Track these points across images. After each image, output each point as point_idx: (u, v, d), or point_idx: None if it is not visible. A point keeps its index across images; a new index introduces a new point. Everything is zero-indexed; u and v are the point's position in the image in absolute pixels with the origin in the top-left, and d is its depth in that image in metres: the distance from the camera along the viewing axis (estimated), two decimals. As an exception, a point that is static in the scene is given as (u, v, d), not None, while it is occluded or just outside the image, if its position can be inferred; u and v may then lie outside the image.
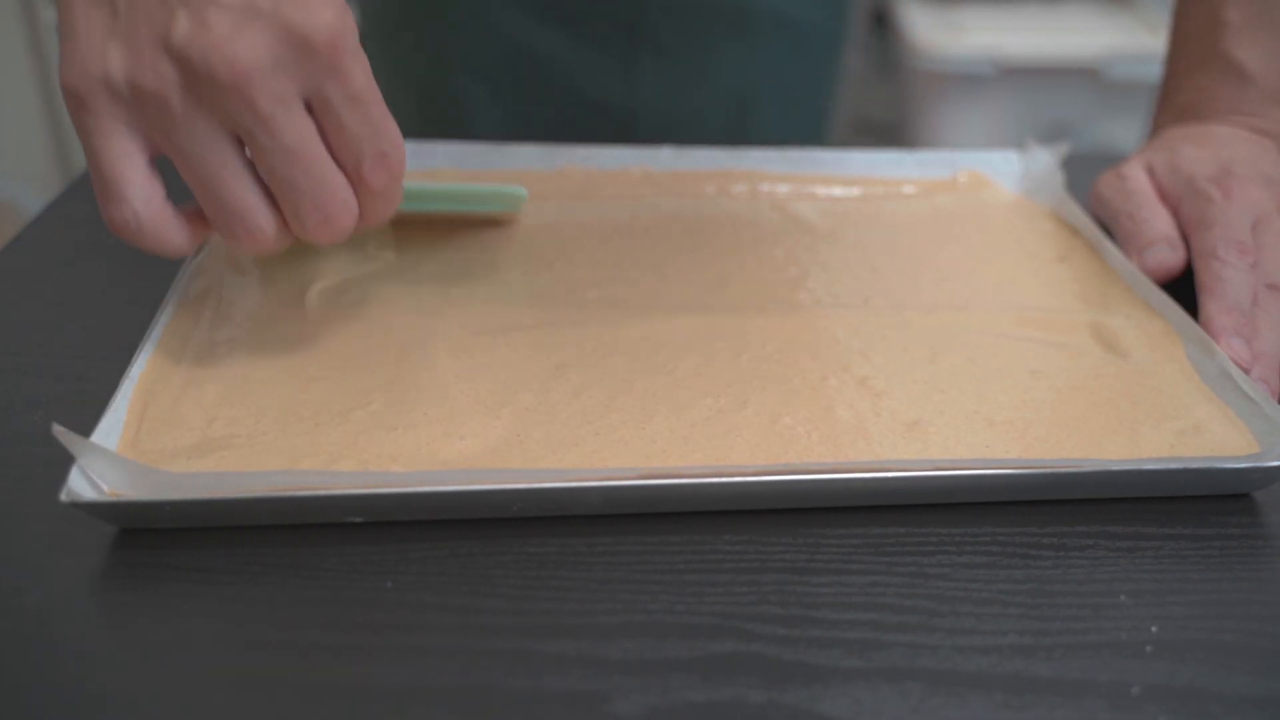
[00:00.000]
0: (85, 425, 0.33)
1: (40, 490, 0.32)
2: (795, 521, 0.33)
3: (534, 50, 0.67)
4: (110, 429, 0.34)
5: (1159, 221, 0.47)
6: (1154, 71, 0.61)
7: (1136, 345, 0.42)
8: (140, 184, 0.34)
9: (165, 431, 0.35)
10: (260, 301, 0.42)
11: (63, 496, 0.30)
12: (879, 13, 1.88)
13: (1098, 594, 0.31)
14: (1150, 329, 0.43)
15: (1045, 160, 0.55)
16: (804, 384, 0.38)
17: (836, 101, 0.77)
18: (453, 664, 0.28)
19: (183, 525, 0.32)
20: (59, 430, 0.30)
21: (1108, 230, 0.50)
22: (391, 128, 0.35)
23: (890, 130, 1.86)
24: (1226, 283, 0.42)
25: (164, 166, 0.35)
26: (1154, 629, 0.30)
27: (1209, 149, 0.49)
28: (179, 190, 0.35)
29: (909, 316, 0.43)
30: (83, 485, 0.31)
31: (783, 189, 0.54)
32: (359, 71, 0.34)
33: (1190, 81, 0.54)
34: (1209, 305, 0.42)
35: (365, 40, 0.73)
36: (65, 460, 0.31)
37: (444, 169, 0.53)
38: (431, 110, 0.70)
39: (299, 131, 0.33)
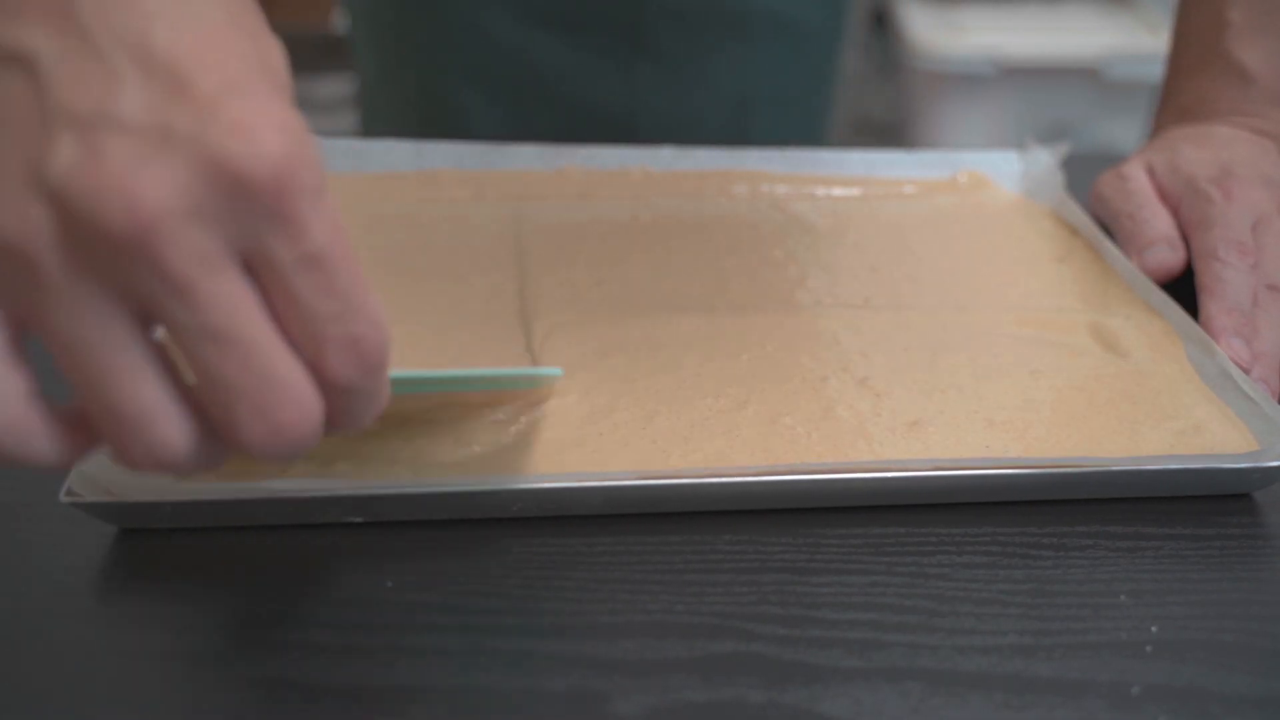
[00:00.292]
0: (85, 425, 0.33)
1: (40, 490, 0.32)
2: (795, 521, 0.33)
3: (532, 56, 0.66)
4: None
5: (1159, 222, 0.47)
6: (1154, 71, 0.61)
7: (1136, 345, 0.42)
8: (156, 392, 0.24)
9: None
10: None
11: (63, 496, 0.30)
12: (879, 13, 1.88)
13: (1098, 594, 0.31)
14: (1150, 329, 0.43)
15: (1045, 160, 0.55)
16: (804, 384, 0.38)
17: (835, 102, 0.77)
18: (453, 664, 0.28)
19: (183, 525, 0.32)
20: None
21: (1108, 230, 0.50)
22: (366, 301, 0.25)
23: (890, 130, 1.86)
24: (1227, 283, 0.42)
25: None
26: (1154, 629, 0.30)
27: (1209, 149, 0.49)
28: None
29: (909, 317, 0.43)
30: (83, 485, 0.31)
31: (783, 189, 0.54)
32: (317, 222, 0.24)
33: (1192, 82, 0.54)
34: (1209, 305, 0.42)
35: (361, 48, 0.73)
36: (65, 460, 0.31)
37: (443, 169, 0.53)
38: (429, 118, 0.69)
39: (229, 304, 0.23)
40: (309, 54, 1.72)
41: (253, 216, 0.23)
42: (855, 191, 0.55)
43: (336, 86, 1.65)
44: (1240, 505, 0.35)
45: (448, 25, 0.67)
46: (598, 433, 0.36)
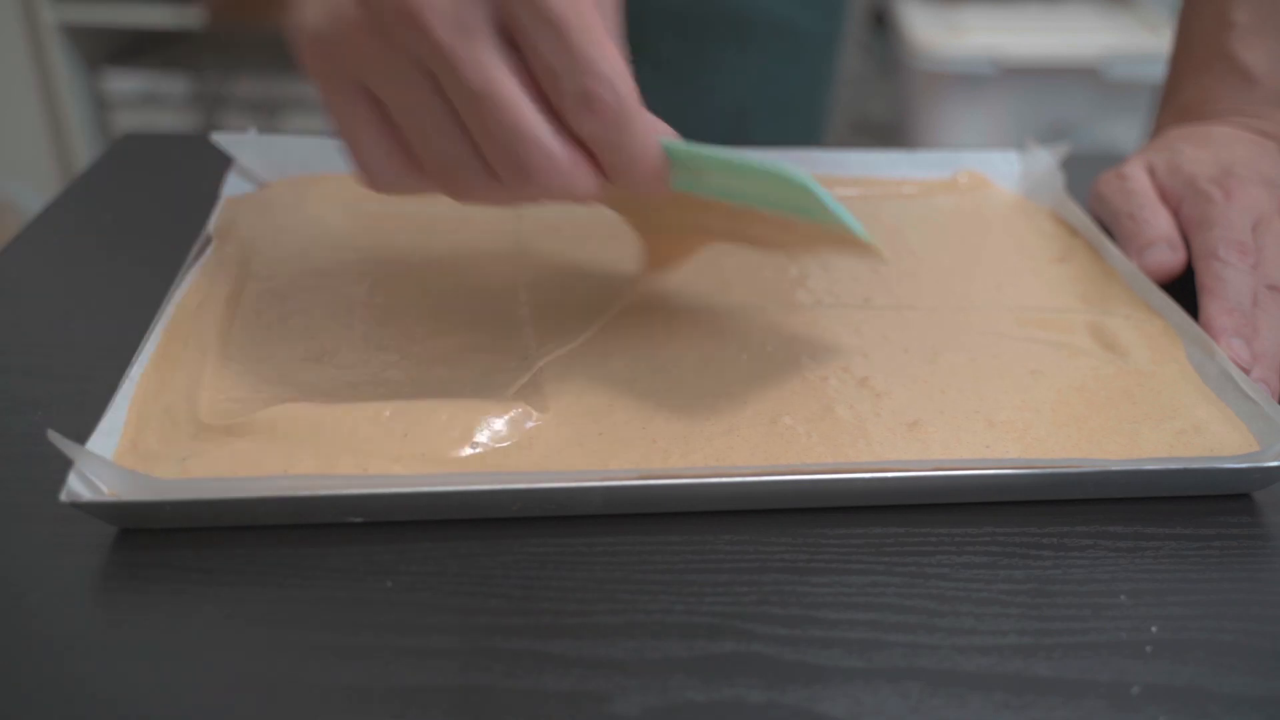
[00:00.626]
0: (85, 426, 0.33)
1: (40, 490, 0.32)
2: (795, 521, 0.33)
3: None
4: (110, 430, 0.34)
5: (1159, 222, 0.47)
6: (1154, 71, 0.61)
7: (1136, 345, 0.42)
8: (370, 142, 0.31)
9: (165, 432, 0.35)
10: (261, 304, 0.42)
11: (63, 497, 0.30)
12: (879, 13, 1.88)
13: (1098, 594, 0.31)
14: (1150, 329, 0.43)
15: (1045, 160, 0.55)
16: (804, 384, 0.38)
17: (833, 104, 0.77)
18: (453, 664, 0.28)
19: (183, 525, 0.32)
20: (54, 436, 0.30)
21: (1108, 230, 0.50)
22: (601, 59, 0.29)
23: (890, 130, 1.86)
24: (1227, 283, 0.42)
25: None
26: (1154, 629, 0.30)
27: (1210, 150, 0.49)
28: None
29: (909, 317, 0.43)
30: (82, 486, 0.31)
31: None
32: None
33: (1194, 81, 0.54)
34: (1209, 305, 0.42)
35: None
36: (65, 460, 0.31)
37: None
38: None
39: (481, 66, 0.28)
40: (309, 54, 1.72)
41: None
42: (855, 191, 0.55)
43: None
44: (1240, 505, 0.35)
45: None
46: (598, 433, 0.36)
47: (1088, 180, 0.53)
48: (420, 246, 0.47)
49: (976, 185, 0.55)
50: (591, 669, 0.28)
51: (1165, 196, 0.49)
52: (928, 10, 1.79)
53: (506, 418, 0.35)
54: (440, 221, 0.49)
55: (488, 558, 0.32)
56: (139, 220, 0.52)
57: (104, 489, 0.31)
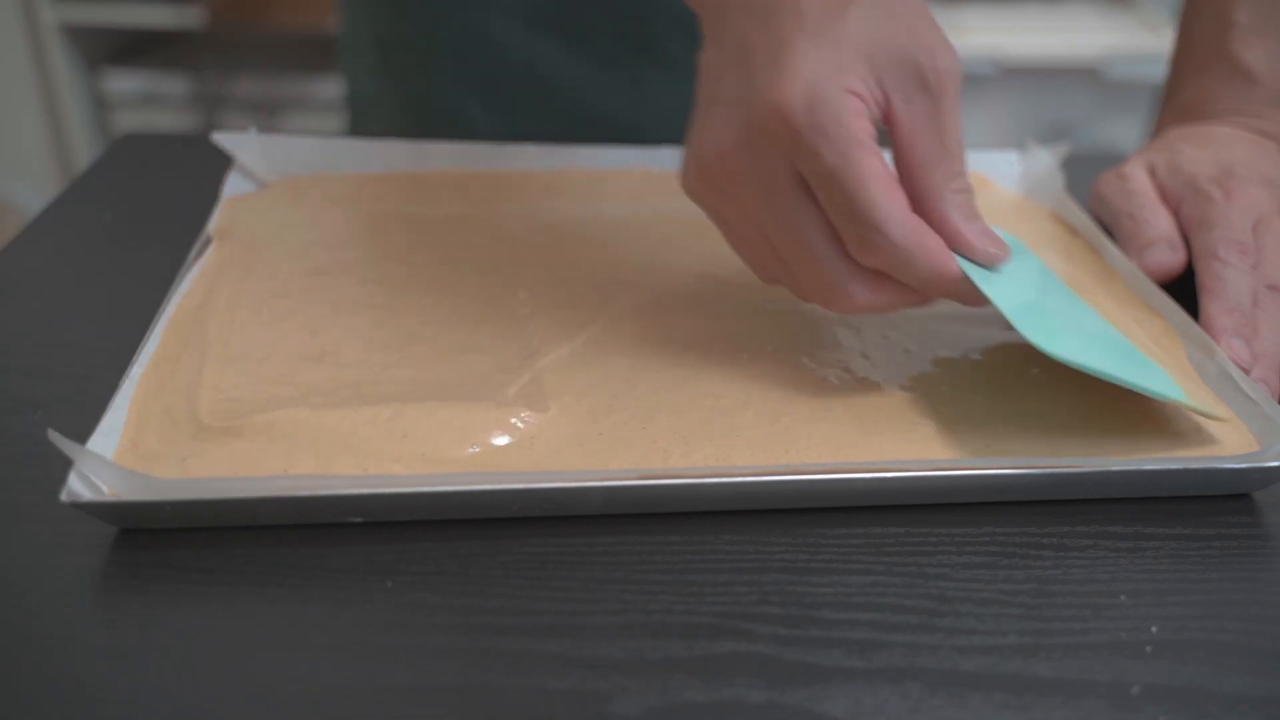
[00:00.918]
0: (85, 426, 0.33)
1: (40, 490, 0.32)
2: (795, 521, 0.33)
3: (538, 65, 0.66)
4: (110, 430, 0.34)
5: (1159, 222, 0.47)
6: (1154, 71, 0.61)
7: (1136, 345, 0.42)
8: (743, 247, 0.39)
9: (165, 432, 0.35)
10: (261, 304, 0.42)
11: (63, 497, 0.30)
12: (879, 13, 1.88)
13: (1098, 594, 0.31)
14: (1150, 329, 0.43)
15: (1045, 160, 0.55)
16: (804, 384, 0.38)
17: None
18: (453, 664, 0.28)
19: (182, 525, 0.32)
20: (55, 436, 0.30)
21: (1108, 230, 0.50)
22: (874, 208, 0.34)
23: (890, 130, 1.86)
24: (1227, 283, 0.42)
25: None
26: (1154, 629, 0.30)
27: (1210, 150, 0.49)
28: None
29: (909, 317, 0.43)
30: (82, 486, 0.31)
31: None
32: (827, 148, 0.33)
33: (1195, 81, 0.54)
34: (1209, 305, 0.42)
35: (357, 54, 0.73)
36: (65, 460, 0.31)
37: (444, 169, 0.53)
38: (434, 125, 0.69)
39: (780, 212, 0.35)
40: (309, 54, 1.72)
41: (785, 144, 0.34)
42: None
43: (336, 86, 1.65)
44: (1240, 505, 0.35)
45: (453, 33, 0.66)
46: (598, 433, 0.36)
47: (1088, 180, 0.53)
48: (420, 246, 0.47)
49: (976, 185, 0.55)
50: (591, 669, 0.28)
51: (1165, 196, 0.49)
52: (928, 10, 1.78)
53: (506, 418, 0.35)
54: (440, 221, 0.49)
55: (488, 558, 0.32)
56: (139, 220, 0.52)
57: (104, 489, 0.31)
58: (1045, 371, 0.40)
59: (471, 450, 0.34)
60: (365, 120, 0.73)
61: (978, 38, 1.67)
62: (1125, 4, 1.83)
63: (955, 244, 0.36)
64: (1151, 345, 0.42)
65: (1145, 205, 0.48)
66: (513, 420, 0.35)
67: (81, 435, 0.33)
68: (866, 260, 0.35)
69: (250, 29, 1.63)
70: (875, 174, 0.34)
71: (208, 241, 0.46)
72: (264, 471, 0.33)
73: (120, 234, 0.50)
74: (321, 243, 0.47)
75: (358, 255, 0.46)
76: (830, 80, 0.33)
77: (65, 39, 1.60)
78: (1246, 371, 0.39)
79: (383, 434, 0.35)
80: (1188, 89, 0.54)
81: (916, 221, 0.35)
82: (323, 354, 0.39)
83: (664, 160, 0.55)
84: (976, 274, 0.36)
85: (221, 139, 0.51)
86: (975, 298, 0.36)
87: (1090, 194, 0.53)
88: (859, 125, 0.34)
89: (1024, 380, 0.39)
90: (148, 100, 1.66)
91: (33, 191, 1.66)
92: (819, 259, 0.35)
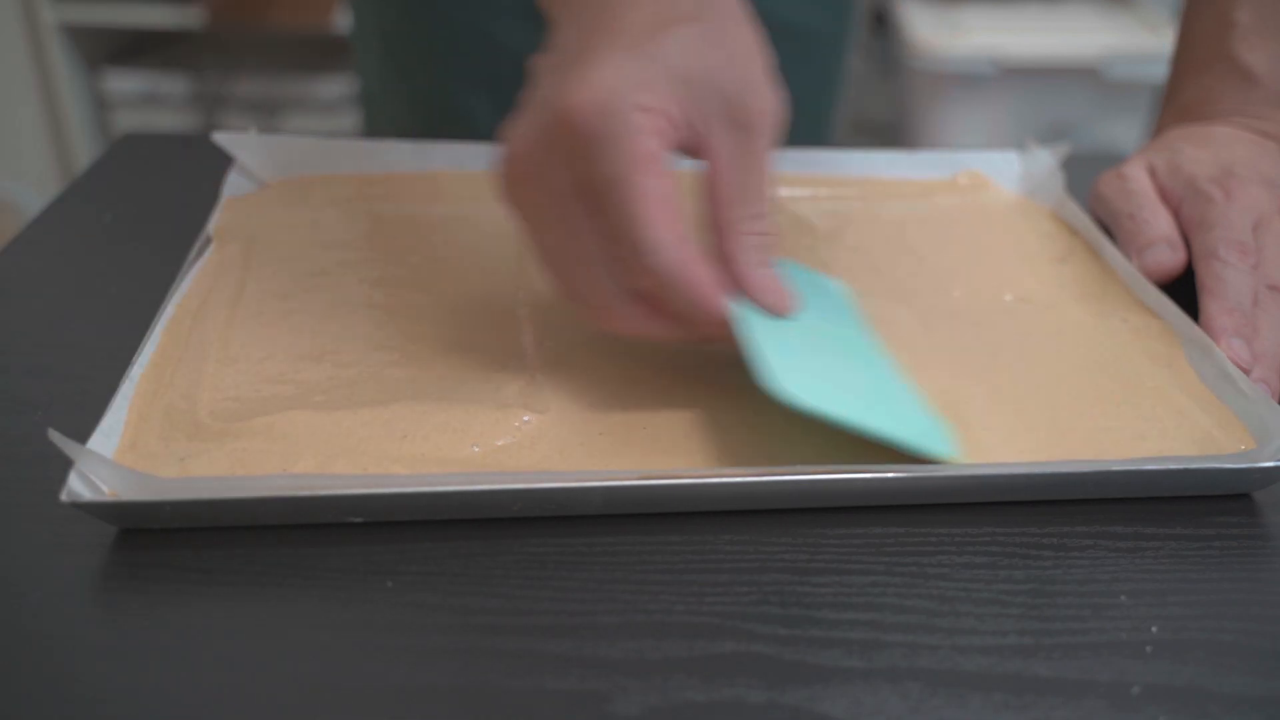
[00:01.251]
0: (85, 426, 0.33)
1: (40, 490, 0.32)
2: (795, 521, 0.33)
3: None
4: (110, 430, 0.34)
5: (1159, 222, 0.47)
6: (1154, 71, 0.61)
7: (1135, 346, 0.42)
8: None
9: (165, 432, 0.35)
10: (261, 304, 0.42)
11: (63, 497, 0.30)
12: (879, 13, 1.88)
13: (1098, 594, 0.31)
14: (1149, 330, 0.43)
15: (1045, 160, 0.55)
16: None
17: (840, 105, 0.77)
18: (453, 664, 0.28)
19: (183, 525, 0.32)
20: (55, 435, 0.30)
21: (1108, 230, 0.50)
22: (641, 228, 0.32)
23: (890, 130, 1.86)
24: (1227, 283, 0.42)
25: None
26: (1154, 629, 0.30)
27: (1210, 150, 0.49)
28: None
29: (909, 317, 0.43)
30: (82, 486, 0.31)
31: (783, 189, 0.54)
32: (606, 161, 0.32)
33: (1195, 81, 0.54)
34: (1209, 306, 0.42)
35: (366, 51, 0.73)
36: (65, 460, 0.31)
37: (444, 169, 0.53)
38: (434, 122, 0.69)
39: (561, 221, 0.33)
40: (309, 54, 1.72)
41: (571, 149, 0.32)
42: (855, 191, 0.55)
43: (336, 86, 1.65)
44: (1240, 505, 0.35)
45: (455, 30, 0.66)
46: (598, 432, 0.36)
47: (1088, 180, 0.53)
48: (420, 246, 0.47)
49: (977, 185, 0.55)
50: (591, 669, 0.28)
51: (1165, 197, 0.49)
52: (928, 10, 1.79)
53: (506, 419, 0.35)
54: (440, 221, 0.49)
55: (488, 558, 0.32)
56: (139, 220, 0.52)
57: (104, 489, 0.31)
58: (1044, 371, 0.40)
59: (473, 449, 0.34)
60: (375, 117, 0.73)
61: (978, 38, 1.67)
62: (1125, 4, 1.83)
63: (739, 286, 0.35)
64: (1150, 346, 0.42)
65: (1145, 205, 0.48)
66: (513, 421, 0.35)
67: (81, 435, 0.33)
68: (633, 282, 0.34)
69: (250, 29, 1.63)
70: (650, 195, 0.32)
71: (207, 242, 0.46)
72: (264, 471, 0.33)
73: (120, 234, 0.50)
74: (321, 243, 0.47)
75: (358, 255, 0.46)
76: (627, 94, 0.32)
77: (65, 39, 1.60)
78: (1246, 372, 0.39)
79: (382, 434, 0.35)
80: (1188, 89, 0.54)
81: (689, 253, 0.33)
82: (323, 354, 0.39)
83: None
84: (759, 318, 0.35)
85: (221, 139, 0.51)
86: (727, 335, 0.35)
87: (1090, 194, 0.53)
88: (646, 144, 0.32)
89: (1023, 380, 0.39)
90: (148, 100, 1.66)
91: (33, 191, 1.66)
92: (593, 275, 0.34)
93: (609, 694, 0.27)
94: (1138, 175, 0.50)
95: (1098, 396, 0.39)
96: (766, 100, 0.34)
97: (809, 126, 0.74)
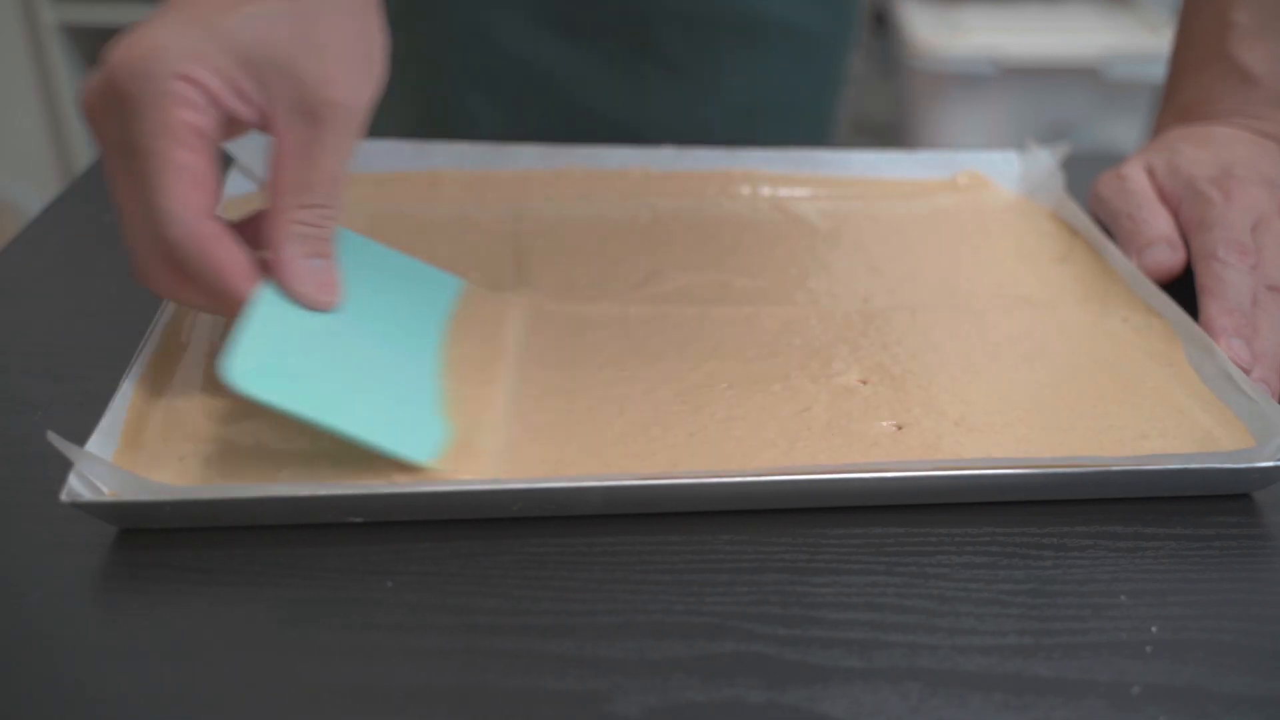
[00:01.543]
0: (85, 425, 0.33)
1: (40, 490, 0.32)
2: (795, 521, 0.33)
3: (539, 62, 0.66)
4: (110, 430, 0.34)
5: (1159, 222, 0.47)
6: (1154, 71, 0.61)
7: (1136, 346, 0.42)
8: None
9: (165, 432, 0.35)
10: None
11: (63, 497, 0.30)
12: (879, 13, 1.88)
13: (1098, 594, 0.31)
14: (1150, 330, 0.43)
15: (1045, 160, 0.55)
16: (804, 384, 0.38)
17: (841, 107, 0.77)
18: (453, 664, 0.28)
19: (183, 525, 0.32)
20: (54, 437, 0.30)
21: (1107, 230, 0.50)
22: (158, 198, 0.32)
23: (890, 130, 1.86)
24: (1227, 284, 0.42)
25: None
26: (1154, 629, 0.30)
27: (1209, 150, 0.49)
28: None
29: (909, 317, 0.43)
30: (82, 486, 0.31)
31: (783, 189, 0.54)
32: (135, 124, 0.32)
33: (1194, 81, 0.54)
34: (1209, 306, 0.42)
35: None
36: (65, 460, 0.31)
37: (444, 169, 0.53)
38: (433, 121, 0.69)
39: (111, 173, 0.33)
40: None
41: (114, 107, 0.32)
42: (855, 191, 0.55)
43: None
44: (1240, 505, 0.35)
45: (455, 29, 0.66)
46: (597, 432, 0.36)
47: (1088, 180, 0.53)
48: (420, 247, 0.47)
49: (976, 185, 0.55)
50: (591, 669, 0.28)
51: (1165, 197, 0.49)
52: (928, 10, 1.79)
53: (506, 420, 0.35)
54: (440, 222, 0.49)
55: (487, 558, 0.32)
56: (139, 220, 0.51)
57: (104, 489, 0.31)
58: (1044, 371, 0.40)
59: (471, 450, 0.34)
60: (377, 117, 0.74)
61: (978, 38, 1.67)
62: (1125, 4, 1.83)
63: (276, 272, 0.34)
64: (1150, 346, 0.42)
65: (1144, 205, 0.48)
66: (511, 420, 0.35)
67: (81, 435, 0.33)
68: (156, 247, 0.33)
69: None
70: (173, 166, 0.32)
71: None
72: (263, 471, 0.33)
73: (120, 234, 0.50)
74: (321, 243, 0.47)
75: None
76: (170, 61, 0.32)
77: (65, 39, 1.60)
78: (1247, 372, 0.39)
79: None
80: (1188, 89, 0.54)
81: (209, 230, 0.33)
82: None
83: (664, 160, 0.55)
84: (279, 304, 0.34)
85: (221, 139, 0.51)
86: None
87: (1089, 194, 0.53)
88: (180, 114, 0.32)
89: (1023, 380, 0.39)
90: (148, 100, 1.65)
91: (33, 191, 1.66)
92: (134, 231, 0.33)
93: (608, 694, 0.27)
94: (1136, 175, 0.50)
95: (1098, 396, 0.39)
96: (341, 93, 0.34)
97: (809, 126, 0.74)
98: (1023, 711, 0.27)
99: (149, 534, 0.32)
